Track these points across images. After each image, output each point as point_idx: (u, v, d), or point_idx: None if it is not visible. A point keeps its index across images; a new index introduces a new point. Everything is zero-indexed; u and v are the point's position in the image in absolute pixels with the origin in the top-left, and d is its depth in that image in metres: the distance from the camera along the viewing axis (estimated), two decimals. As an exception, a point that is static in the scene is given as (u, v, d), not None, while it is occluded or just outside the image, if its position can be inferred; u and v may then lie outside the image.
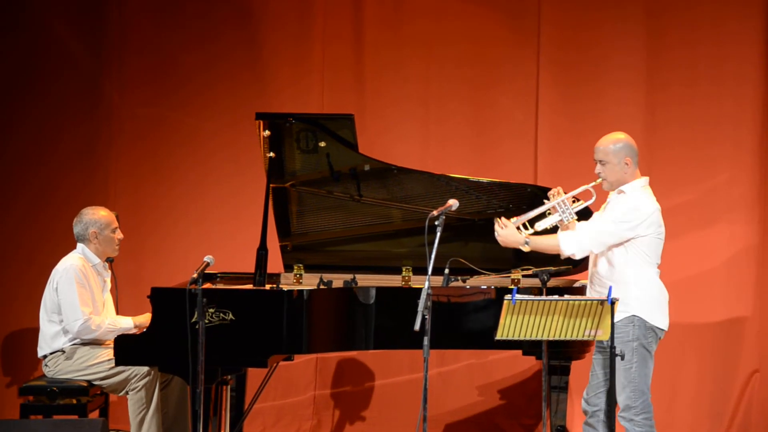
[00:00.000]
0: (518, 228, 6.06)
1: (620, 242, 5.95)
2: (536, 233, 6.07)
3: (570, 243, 6.00)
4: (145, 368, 6.58)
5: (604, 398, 6.03)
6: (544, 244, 6.06)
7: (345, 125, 6.79)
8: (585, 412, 6.14)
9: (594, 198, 6.15)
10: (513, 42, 8.19)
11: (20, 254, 8.21)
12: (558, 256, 6.48)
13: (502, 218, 6.06)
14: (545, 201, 6.13)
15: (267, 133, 6.75)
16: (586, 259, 6.20)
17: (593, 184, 6.09)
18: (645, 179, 6.07)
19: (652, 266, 5.99)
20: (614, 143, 6.03)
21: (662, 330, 6.02)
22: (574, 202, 6.14)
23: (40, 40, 8.29)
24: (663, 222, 6.03)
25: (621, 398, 5.93)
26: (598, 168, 6.05)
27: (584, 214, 6.22)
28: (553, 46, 8.12)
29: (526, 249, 6.04)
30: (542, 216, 6.11)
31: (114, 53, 8.33)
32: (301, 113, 6.89)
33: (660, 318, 5.98)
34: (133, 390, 6.62)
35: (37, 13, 8.29)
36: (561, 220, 6.10)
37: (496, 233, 6.05)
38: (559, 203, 6.10)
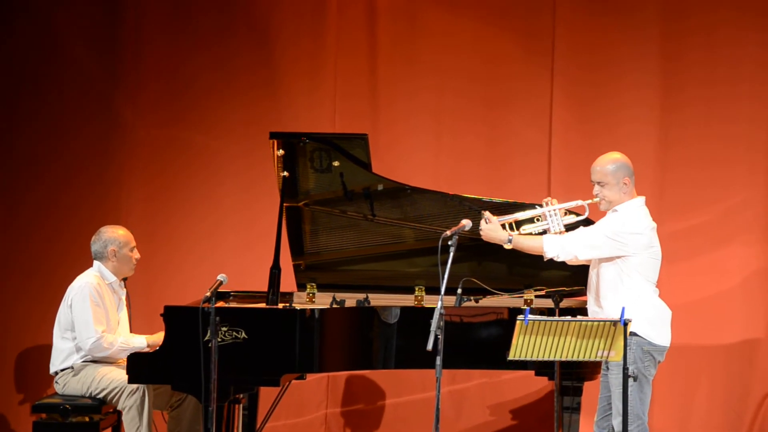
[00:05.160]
0: (503, 226, 6.06)
1: (609, 258, 5.94)
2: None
3: (554, 245, 5.98)
4: (133, 386, 6.54)
5: (611, 420, 6.00)
6: (527, 244, 6.04)
7: (359, 145, 6.80)
8: None
9: (587, 214, 6.13)
10: (527, 61, 8.20)
11: (38, 273, 8.23)
12: (569, 277, 6.49)
13: (488, 213, 6.06)
14: (537, 206, 6.12)
15: (281, 152, 6.77)
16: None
17: (590, 201, 6.08)
18: (641, 199, 6.04)
19: (649, 285, 5.96)
20: (612, 163, 6.00)
21: (661, 350, 5.96)
22: (566, 214, 6.13)
23: (56, 60, 8.33)
24: (657, 241, 6.00)
25: (616, 422, 5.89)
26: (596, 189, 6.02)
27: (573, 230, 6.16)
28: (567, 65, 8.13)
29: (507, 246, 6.02)
30: (530, 221, 6.11)
31: (129, 72, 8.36)
32: (315, 133, 6.91)
33: (657, 336, 5.92)
34: (124, 409, 6.61)
35: (53, 33, 8.33)
36: (548, 229, 6.09)
37: (480, 228, 6.04)
38: (550, 212, 6.09)
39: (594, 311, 6.04)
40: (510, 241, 6.02)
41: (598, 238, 5.93)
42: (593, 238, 5.95)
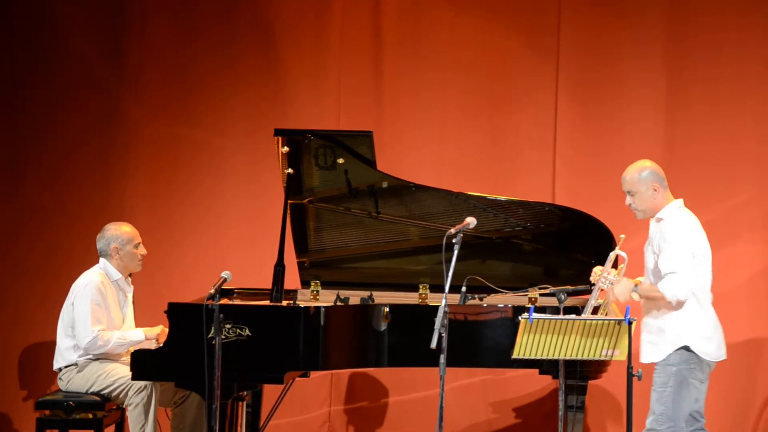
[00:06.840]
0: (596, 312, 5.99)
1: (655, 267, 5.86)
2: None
3: (670, 290, 5.78)
4: (141, 383, 6.55)
5: (647, 419, 5.91)
6: (652, 294, 5.88)
7: (363, 142, 6.81)
8: None
9: (626, 261, 5.98)
10: (532, 59, 8.18)
11: (41, 271, 8.23)
12: (573, 276, 6.47)
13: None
14: (591, 286, 6.02)
15: (285, 149, 6.77)
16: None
17: (619, 245, 5.96)
18: (680, 201, 5.99)
19: (701, 294, 5.88)
20: (639, 172, 5.93)
21: (711, 361, 5.91)
22: (613, 267, 6.03)
23: (59, 58, 8.33)
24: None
25: (648, 420, 5.81)
26: (628, 199, 5.94)
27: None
28: (572, 64, 8.12)
29: (635, 298, 5.91)
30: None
31: (133, 70, 8.36)
32: (319, 130, 6.91)
33: (709, 349, 5.87)
34: (130, 405, 6.61)
35: (60, 32, 8.33)
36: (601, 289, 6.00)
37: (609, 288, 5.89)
38: (602, 279, 5.93)
39: (647, 324, 5.94)
40: (636, 291, 5.87)
41: (684, 254, 5.82)
42: (681, 258, 5.81)
